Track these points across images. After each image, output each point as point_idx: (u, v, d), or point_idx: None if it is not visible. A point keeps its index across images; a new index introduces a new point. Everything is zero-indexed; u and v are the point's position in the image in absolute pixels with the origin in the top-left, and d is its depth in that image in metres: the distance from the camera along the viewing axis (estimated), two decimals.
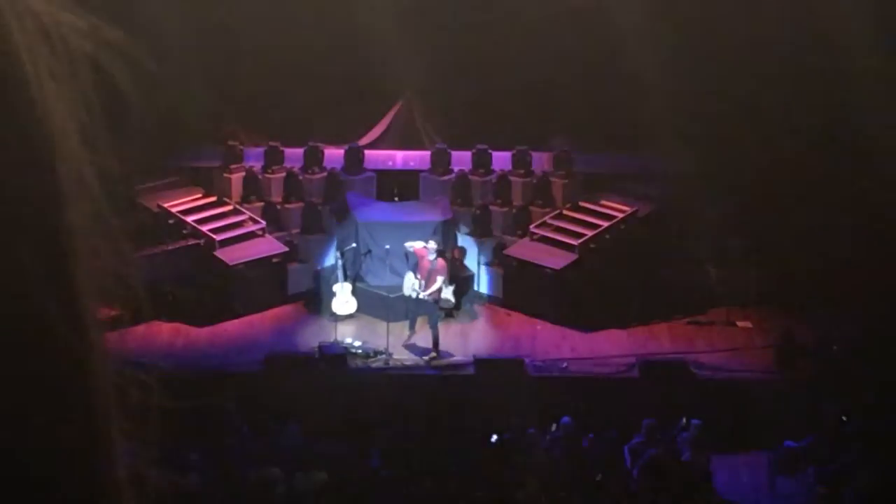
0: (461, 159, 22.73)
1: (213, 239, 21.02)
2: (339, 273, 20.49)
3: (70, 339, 0.96)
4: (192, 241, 20.93)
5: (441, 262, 19.82)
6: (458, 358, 19.79)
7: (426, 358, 19.67)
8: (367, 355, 19.67)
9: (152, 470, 1.06)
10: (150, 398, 1.06)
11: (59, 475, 0.96)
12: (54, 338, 0.96)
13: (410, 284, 19.77)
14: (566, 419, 17.69)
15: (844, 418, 17.77)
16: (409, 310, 19.95)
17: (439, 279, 19.69)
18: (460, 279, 20.81)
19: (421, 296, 19.66)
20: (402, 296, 19.97)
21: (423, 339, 20.01)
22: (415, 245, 19.94)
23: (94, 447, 0.98)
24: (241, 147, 22.84)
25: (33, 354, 0.95)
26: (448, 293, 20.32)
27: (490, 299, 21.53)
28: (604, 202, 21.97)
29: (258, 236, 21.63)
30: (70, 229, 0.98)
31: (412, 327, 19.99)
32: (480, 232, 21.92)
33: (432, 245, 19.88)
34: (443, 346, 19.97)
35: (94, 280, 1.01)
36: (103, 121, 1.04)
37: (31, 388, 0.94)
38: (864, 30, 19.88)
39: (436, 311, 19.87)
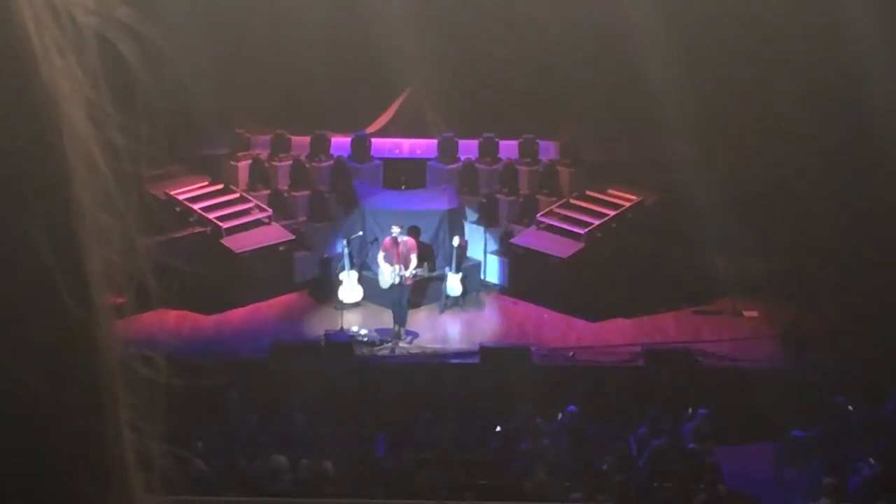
0: (468, 148, 22.71)
1: (220, 227, 21.04)
2: (346, 261, 20.50)
3: (79, 314, 0.95)
4: (198, 229, 20.94)
5: (410, 240, 19.98)
6: (463, 346, 19.82)
7: (395, 340, 19.66)
8: (373, 343, 19.69)
9: (159, 452, 1.05)
10: (157, 381, 1.05)
11: (67, 455, 0.95)
12: (63, 314, 0.95)
13: (390, 272, 19.81)
14: (572, 408, 17.70)
15: (851, 408, 17.75)
16: (395, 301, 19.90)
17: (413, 257, 19.79)
18: (467, 268, 20.84)
19: (406, 274, 19.70)
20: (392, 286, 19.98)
21: (428, 328, 20.01)
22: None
23: (102, 428, 0.97)
24: (248, 135, 22.85)
25: (41, 330, 0.94)
26: (455, 281, 20.34)
27: (496, 288, 21.52)
28: (610, 191, 21.95)
29: (265, 224, 21.63)
30: (78, 205, 0.97)
31: (403, 321, 19.96)
32: (487, 221, 21.91)
33: (396, 229, 19.93)
34: (450, 334, 19.99)
35: (103, 258, 1.00)
36: (111, 98, 1.03)
37: (39, 364, 0.93)
38: (872, 24, 19.82)
39: (409, 293, 19.91)
